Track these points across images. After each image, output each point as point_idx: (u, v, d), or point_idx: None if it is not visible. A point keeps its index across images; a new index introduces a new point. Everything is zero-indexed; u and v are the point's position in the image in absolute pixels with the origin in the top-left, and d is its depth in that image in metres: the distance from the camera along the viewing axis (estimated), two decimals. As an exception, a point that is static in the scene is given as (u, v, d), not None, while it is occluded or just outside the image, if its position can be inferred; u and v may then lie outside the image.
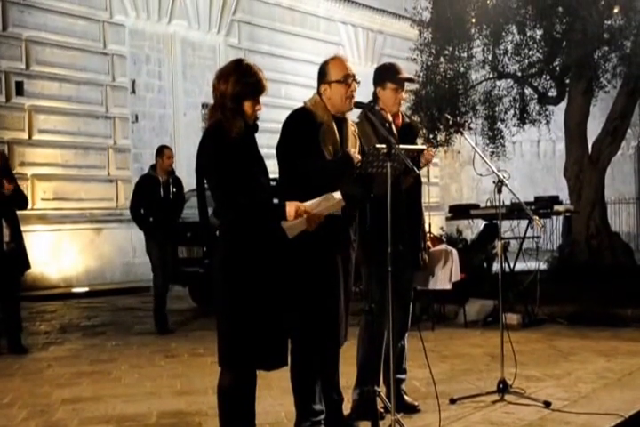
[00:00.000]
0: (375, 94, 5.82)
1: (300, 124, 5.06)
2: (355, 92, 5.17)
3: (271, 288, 4.42)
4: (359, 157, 4.95)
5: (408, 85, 6.17)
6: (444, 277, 7.82)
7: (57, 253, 15.58)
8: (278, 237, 4.47)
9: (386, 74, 5.79)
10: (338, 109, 5.15)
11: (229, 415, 4.50)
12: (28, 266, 9.40)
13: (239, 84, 4.43)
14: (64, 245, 15.89)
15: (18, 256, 9.16)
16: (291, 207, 4.36)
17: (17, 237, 9.17)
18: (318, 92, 5.22)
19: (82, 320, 11.49)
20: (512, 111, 14.67)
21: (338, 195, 4.51)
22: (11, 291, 9.21)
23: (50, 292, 14.59)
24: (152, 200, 10.46)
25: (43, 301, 13.47)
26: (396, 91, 5.74)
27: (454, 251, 7.36)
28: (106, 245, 16.87)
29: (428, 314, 10.22)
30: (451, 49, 14.14)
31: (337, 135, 5.08)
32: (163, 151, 10.63)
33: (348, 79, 5.13)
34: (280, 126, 5.14)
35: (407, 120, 6.03)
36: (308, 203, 4.44)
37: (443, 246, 7.82)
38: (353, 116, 5.46)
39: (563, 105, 14.57)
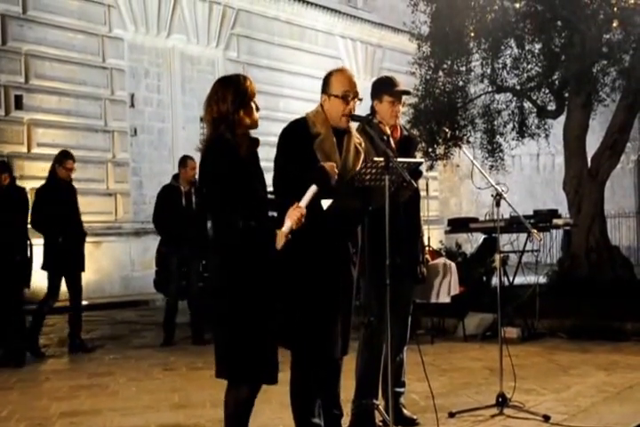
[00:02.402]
0: (373, 108, 5.82)
1: (296, 134, 5.05)
2: (354, 111, 5.13)
3: (270, 301, 4.42)
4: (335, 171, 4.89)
5: (407, 98, 6.18)
6: (443, 290, 7.80)
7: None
8: (275, 251, 4.48)
9: (382, 87, 5.79)
10: (334, 123, 5.13)
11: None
12: (27, 284, 9.48)
13: (238, 96, 4.44)
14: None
15: (21, 270, 9.25)
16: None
17: (23, 251, 9.29)
18: (320, 103, 5.21)
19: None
20: (511, 125, 14.70)
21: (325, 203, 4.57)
22: (13, 305, 9.28)
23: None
24: (174, 211, 10.36)
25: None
26: (392, 104, 5.73)
27: (453, 264, 7.35)
28: (104, 258, 16.86)
29: (420, 328, 10.17)
30: (449, 63, 14.16)
31: (335, 147, 5.06)
32: (186, 162, 10.50)
33: (347, 96, 5.08)
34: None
35: (406, 133, 6.02)
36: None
37: (441, 260, 7.80)
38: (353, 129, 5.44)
39: (562, 119, 14.59)
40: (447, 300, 7.46)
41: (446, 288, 7.56)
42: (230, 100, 4.43)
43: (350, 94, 5.08)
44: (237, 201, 4.32)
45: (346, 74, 5.20)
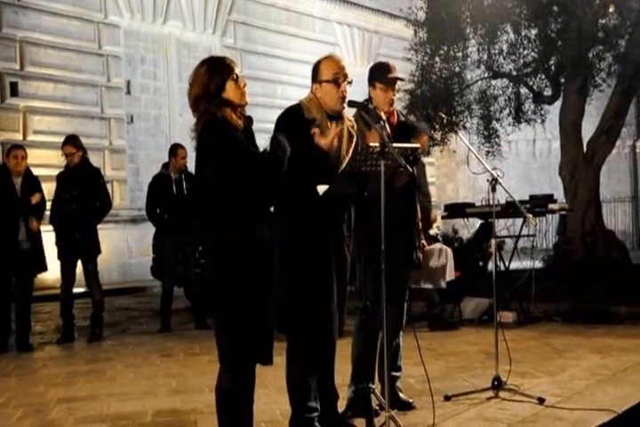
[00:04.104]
0: (370, 93, 5.82)
1: (293, 120, 5.07)
2: (346, 93, 5.16)
3: (266, 285, 4.45)
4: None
5: (403, 84, 6.17)
6: (439, 275, 7.86)
7: (53, 254, 15.50)
8: (272, 235, 4.51)
9: (375, 73, 5.79)
10: (330, 109, 5.14)
11: (229, 416, 4.52)
12: (44, 268, 9.57)
13: (206, 76, 4.46)
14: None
15: (33, 256, 9.38)
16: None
17: (33, 237, 9.41)
18: (312, 91, 5.23)
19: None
20: (507, 110, 14.69)
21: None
22: (23, 290, 9.43)
23: (46, 293, 14.55)
24: (166, 198, 10.49)
25: (39, 301, 13.42)
26: (385, 90, 5.73)
27: (449, 250, 7.41)
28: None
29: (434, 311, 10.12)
30: (446, 48, 14.16)
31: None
32: (177, 151, 10.60)
33: (337, 79, 5.11)
34: (276, 127, 5.15)
35: (402, 119, 6.03)
36: None
37: (438, 245, 7.87)
38: (349, 114, 5.45)
39: (558, 104, 14.60)
40: (442, 285, 7.52)
41: (442, 273, 7.62)
42: (208, 78, 4.45)
43: (340, 76, 5.11)
44: (247, 162, 4.33)
45: (333, 59, 5.23)
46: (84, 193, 9.90)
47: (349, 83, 5.18)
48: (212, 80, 4.45)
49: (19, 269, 9.30)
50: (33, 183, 9.52)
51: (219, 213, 4.43)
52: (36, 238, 9.43)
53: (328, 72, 5.15)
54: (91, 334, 9.94)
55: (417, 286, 6.85)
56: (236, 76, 4.51)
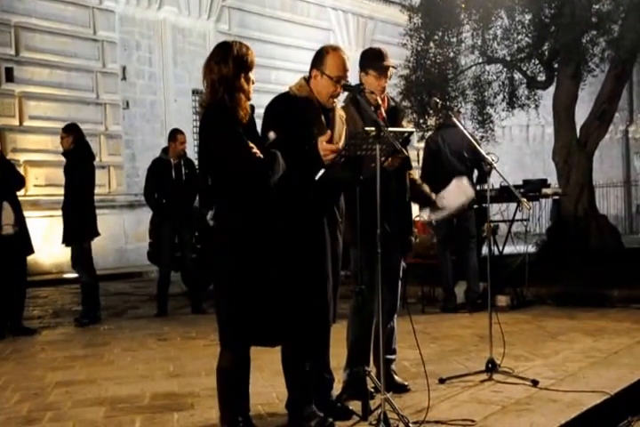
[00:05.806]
0: (361, 78, 5.84)
1: (284, 109, 5.09)
2: (340, 91, 5.19)
3: (269, 266, 4.53)
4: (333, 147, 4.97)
5: (398, 71, 6.19)
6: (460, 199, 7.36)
7: (49, 240, 15.52)
8: (274, 217, 4.58)
9: (369, 60, 5.77)
10: (320, 99, 5.17)
11: (228, 396, 4.60)
12: (31, 250, 9.55)
13: (239, 61, 4.49)
14: (56, 231, 15.83)
15: (22, 240, 9.33)
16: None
17: (20, 221, 9.32)
18: (310, 74, 5.24)
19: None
20: (501, 96, 14.69)
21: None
22: (18, 274, 9.39)
23: (42, 278, 14.63)
24: (165, 183, 10.53)
25: (35, 286, 13.50)
26: (378, 78, 5.74)
27: (464, 179, 6.98)
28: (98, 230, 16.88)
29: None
30: (440, 34, 14.14)
31: (323, 119, 5.12)
32: (176, 136, 10.67)
33: (340, 81, 5.14)
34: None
35: (393, 104, 6.06)
36: None
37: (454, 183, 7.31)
38: (340, 99, 5.49)
39: (551, 89, 14.61)
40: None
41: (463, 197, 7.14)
42: (232, 63, 4.48)
43: (342, 80, 5.12)
44: (244, 154, 4.39)
45: (343, 57, 5.18)
46: (68, 179, 9.98)
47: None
48: (235, 66, 4.48)
49: (9, 254, 9.22)
50: (6, 167, 9.43)
51: (218, 195, 4.51)
52: (22, 222, 9.37)
53: (333, 70, 5.12)
54: (87, 318, 9.99)
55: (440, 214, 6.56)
56: (250, 73, 4.57)
